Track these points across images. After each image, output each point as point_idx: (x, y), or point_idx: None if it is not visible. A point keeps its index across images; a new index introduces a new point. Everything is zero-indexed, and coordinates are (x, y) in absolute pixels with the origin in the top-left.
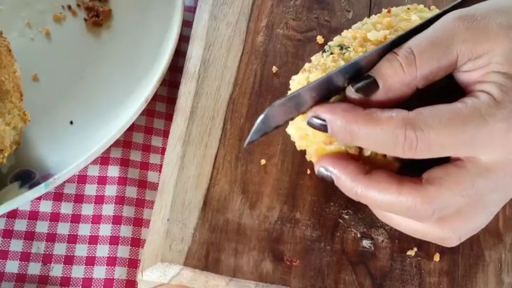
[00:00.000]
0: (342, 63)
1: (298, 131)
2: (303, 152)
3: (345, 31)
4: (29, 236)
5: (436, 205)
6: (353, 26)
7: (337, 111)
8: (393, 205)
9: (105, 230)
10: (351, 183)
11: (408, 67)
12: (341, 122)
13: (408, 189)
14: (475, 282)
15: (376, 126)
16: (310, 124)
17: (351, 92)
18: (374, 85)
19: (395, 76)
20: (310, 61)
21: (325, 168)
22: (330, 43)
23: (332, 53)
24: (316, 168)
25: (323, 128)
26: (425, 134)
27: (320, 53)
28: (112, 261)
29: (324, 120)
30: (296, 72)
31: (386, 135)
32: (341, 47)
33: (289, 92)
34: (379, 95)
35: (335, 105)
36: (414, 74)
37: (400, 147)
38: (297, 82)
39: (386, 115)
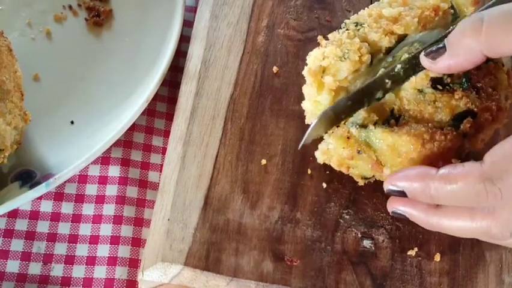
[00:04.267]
0: (357, 40)
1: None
2: (304, 153)
3: (361, 10)
4: (30, 236)
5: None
6: (369, 6)
7: (412, 178)
8: (468, 231)
9: (106, 229)
10: (425, 217)
11: (474, 32)
12: (419, 186)
13: (482, 215)
14: (475, 282)
15: (453, 185)
16: (388, 192)
17: (422, 57)
18: (441, 49)
19: (460, 40)
20: None
21: (396, 209)
22: (346, 21)
23: (347, 30)
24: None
25: (402, 195)
26: (506, 182)
27: (336, 30)
28: (112, 261)
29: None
30: (297, 72)
31: (466, 192)
32: (356, 23)
33: (305, 68)
34: (444, 59)
35: (409, 171)
36: (480, 41)
37: (484, 200)
38: (314, 57)
39: (460, 172)
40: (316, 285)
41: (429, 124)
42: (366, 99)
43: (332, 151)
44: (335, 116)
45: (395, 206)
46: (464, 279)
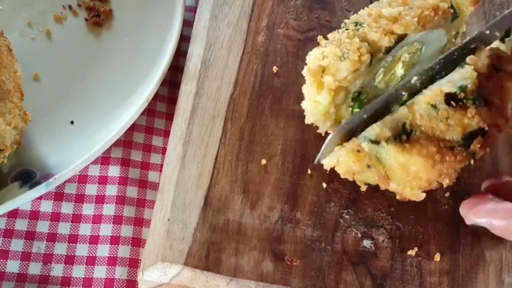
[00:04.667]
0: (357, 40)
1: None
2: (304, 153)
3: (361, 10)
4: (30, 236)
5: None
6: (369, 6)
7: (497, 215)
8: None
9: (106, 229)
10: (505, 226)
11: None
12: (503, 224)
13: None
14: (475, 282)
15: None
16: (471, 224)
17: None
18: None
19: None
20: None
21: (475, 222)
22: (345, 21)
23: (347, 29)
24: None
25: (482, 228)
26: None
27: (336, 30)
28: (112, 261)
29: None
30: (296, 72)
31: None
32: (356, 23)
33: (305, 68)
34: None
35: (494, 207)
36: None
37: None
38: (313, 57)
39: None
40: (316, 285)
41: (440, 144)
42: (382, 112)
43: (341, 163)
44: (351, 130)
45: (473, 219)
46: (464, 279)
